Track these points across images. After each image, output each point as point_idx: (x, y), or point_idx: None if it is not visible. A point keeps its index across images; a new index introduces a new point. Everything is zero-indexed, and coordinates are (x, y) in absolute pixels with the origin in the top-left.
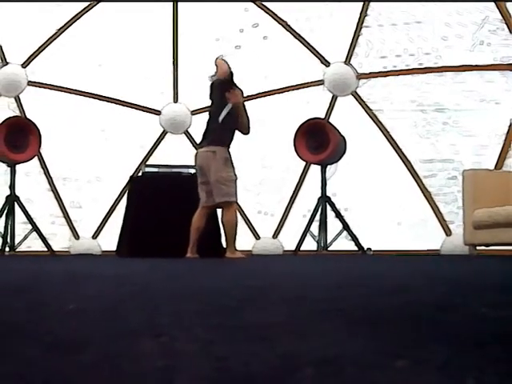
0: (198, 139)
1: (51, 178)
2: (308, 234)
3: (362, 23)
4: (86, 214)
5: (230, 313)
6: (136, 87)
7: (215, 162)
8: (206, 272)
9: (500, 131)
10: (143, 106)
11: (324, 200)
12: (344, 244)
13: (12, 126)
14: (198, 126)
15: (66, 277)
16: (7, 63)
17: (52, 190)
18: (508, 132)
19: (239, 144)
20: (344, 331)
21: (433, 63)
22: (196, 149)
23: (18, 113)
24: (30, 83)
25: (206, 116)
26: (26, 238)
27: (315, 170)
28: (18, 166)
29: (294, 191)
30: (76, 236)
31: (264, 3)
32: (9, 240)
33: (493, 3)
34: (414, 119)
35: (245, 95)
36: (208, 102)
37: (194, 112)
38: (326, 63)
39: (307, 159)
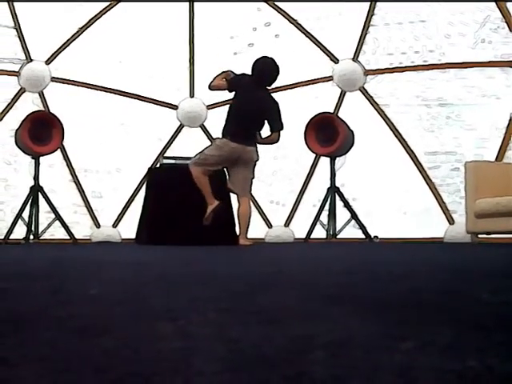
0: (214, 132)
1: (73, 169)
2: (318, 223)
3: (369, 22)
4: (106, 204)
5: (243, 298)
6: (154, 83)
7: (252, 163)
8: (221, 259)
9: (500, 125)
10: (161, 101)
11: (333, 190)
12: (352, 232)
13: (36, 120)
14: (214, 119)
15: (88, 263)
16: (32, 60)
17: (74, 181)
18: (508, 125)
19: None
20: (352, 315)
21: (437, 60)
22: (212, 140)
23: (41, 107)
24: (54, 79)
25: (221, 110)
26: (49, 226)
27: (325, 161)
28: (41, 158)
29: (305, 182)
30: (97, 224)
31: (276, 3)
32: (33, 228)
33: (494, 3)
34: (419, 113)
35: None
36: (221, 97)
37: (210, 106)
38: (335, 60)
39: (317, 151)
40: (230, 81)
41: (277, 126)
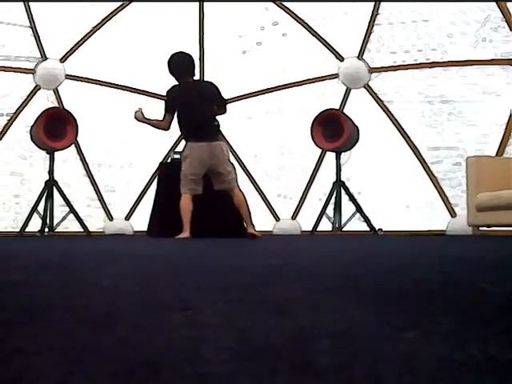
0: (222, 128)
1: (87, 164)
2: (324, 216)
3: (374, 21)
4: (119, 197)
5: (252, 289)
6: (165, 80)
7: (225, 155)
8: (230, 251)
9: (501, 121)
10: None
11: (338, 184)
12: (357, 225)
13: (51, 116)
14: (222, 116)
15: (101, 255)
16: (46, 58)
17: (88, 175)
18: (508, 122)
19: (261, 133)
20: (357, 305)
21: (439, 58)
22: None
23: (56, 104)
24: (68, 77)
25: (229, 107)
26: (63, 219)
27: (330, 156)
28: (56, 153)
29: (311, 176)
30: (110, 217)
31: (283, 3)
32: (48, 221)
33: (494, 3)
34: (422, 110)
35: (265, 88)
36: (230, 94)
37: None
38: (341, 58)
39: (323, 147)
40: (166, 106)
41: (221, 103)
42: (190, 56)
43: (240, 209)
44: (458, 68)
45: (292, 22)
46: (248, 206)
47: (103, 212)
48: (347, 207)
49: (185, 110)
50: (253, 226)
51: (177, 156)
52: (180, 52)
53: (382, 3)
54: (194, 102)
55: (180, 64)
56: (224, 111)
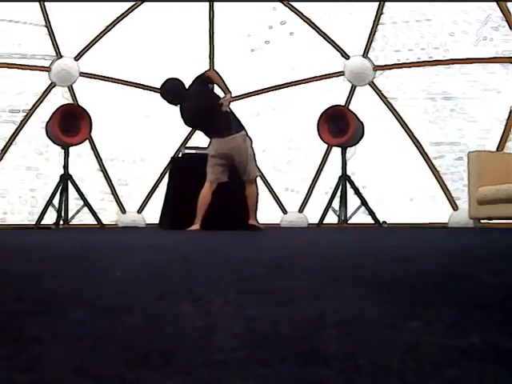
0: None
1: (101, 158)
2: (330, 209)
3: (378, 21)
4: (131, 191)
5: (260, 279)
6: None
7: (242, 145)
8: (239, 243)
9: (501, 117)
10: None
11: (344, 178)
12: (362, 218)
13: (66, 113)
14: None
15: (114, 247)
16: (61, 56)
17: (101, 170)
18: (508, 118)
19: (269, 129)
20: (362, 296)
21: (441, 56)
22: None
23: (71, 101)
24: (82, 74)
25: (240, 103)
26: (78, 212)
27: (336, 151)
28: (71, 148)
29: (318, 170)
30: (123, 210)
31: (291, 3)
32: (63, 214)
33: (495, 3)
34: (425, 106)
35: (273, 85)
36: (240, 91)
37: None
38: (346, 56)
39: (329, 142)
40: (202, 130)
41: (204, 80)
42: (177, 79)
43: (248, 200)
44: (460, 66)
45: (299, 22)
46: (257, 200)
47: (116, 205)
48: (352, 200)
49: (200, 122)
50: (256, 219)
51: (187, 151)
52: (167, 81)
53: (387, 3)
54: (196, 110)
55: (177, 93)
56: (211, 76)
